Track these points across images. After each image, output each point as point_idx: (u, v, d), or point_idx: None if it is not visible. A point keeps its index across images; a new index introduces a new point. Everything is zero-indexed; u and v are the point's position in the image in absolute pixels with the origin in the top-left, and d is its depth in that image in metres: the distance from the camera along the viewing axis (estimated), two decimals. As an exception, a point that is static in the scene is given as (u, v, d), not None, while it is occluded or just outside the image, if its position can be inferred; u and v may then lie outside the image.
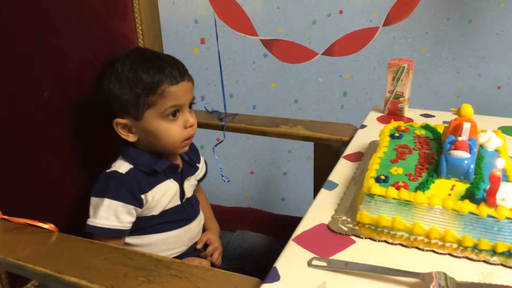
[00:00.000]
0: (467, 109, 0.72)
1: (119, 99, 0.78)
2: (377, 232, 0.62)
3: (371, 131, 0.96)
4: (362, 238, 0.61)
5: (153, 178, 0.81)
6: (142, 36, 1.03)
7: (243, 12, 1.47)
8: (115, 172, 0.78)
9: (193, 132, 0.82)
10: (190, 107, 0.82)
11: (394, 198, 0.60)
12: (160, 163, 0.81)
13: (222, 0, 1.42)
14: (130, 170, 0.79)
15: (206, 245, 0.92)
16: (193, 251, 0.90)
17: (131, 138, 0.80)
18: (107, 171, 0.79)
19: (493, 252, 0.57)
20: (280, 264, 0.57)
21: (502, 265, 0.55)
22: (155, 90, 0.76)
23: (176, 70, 0.78)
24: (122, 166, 0.79)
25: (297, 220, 0.66)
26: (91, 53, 0.90)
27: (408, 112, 1.05)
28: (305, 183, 1.74)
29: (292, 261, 0.58)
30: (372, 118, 1.04)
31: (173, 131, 0.79)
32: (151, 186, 0.80)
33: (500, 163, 0.59)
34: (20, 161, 0.79)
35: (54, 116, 0.84)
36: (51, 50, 0.83)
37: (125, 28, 0.99)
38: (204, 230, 0.94)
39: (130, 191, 0.77)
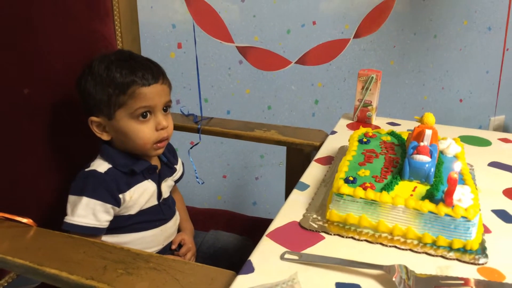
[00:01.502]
0: (429, 117, 0.78)
1: (93, 97, 0.79)
2: (345, 229, 0.66)
3: (341, 137, 1.01)
4: (331, 234, 0.65)
5: (131, 178, 0.82)
6: (121, 39, 1.06)
7: (220, 19, 1.50)
8: (94, 171, 0.79)
9: (165, 135, 0.82)
10: (165, 110, 0.83)
11: (361, 198, 0.65)
12: (138, 164, 0.82)
13: (200, 7, 1.46)
14: (109, 169, 0.80)
15: (180, 246, 0.94)
16: (168, 250, 0.92)
17: (105, 136, 0.82)
18: (86, 170, 0.80)
19: (450, 248, 0.62)
20: (255, 257, 0.60)
21: (457, 260, 0.60)
22: (126, 90, 0.77)
23: (150, 73, 0.79)
24: (101, 166, 0.80)
25: (268, 222, 0.68)
26: (71, 53, 0.91)
27: (375, 120, 1.10)
28: (276, 188, 1.78)
29: (266, 255, 0.61)
30: (342, 125, 1.09)
31: (143, 132, 0.80)
32: (129, 186, 0.82)
33: (457, 166, 0.65)
34: (-1, 157, 0.79)
35: (33, 114, 0.84)
36: (31, 49, 0.83)
37: (105, 30, 1.00)
38: (179, 230, 0.97)
39: (109, 190, 0.78)
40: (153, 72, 0.80)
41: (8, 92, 0.80)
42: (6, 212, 0.73)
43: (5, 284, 0.85)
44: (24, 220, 0.71)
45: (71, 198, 0.78)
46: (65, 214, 0.78)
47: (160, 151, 0.84)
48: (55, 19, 0.88)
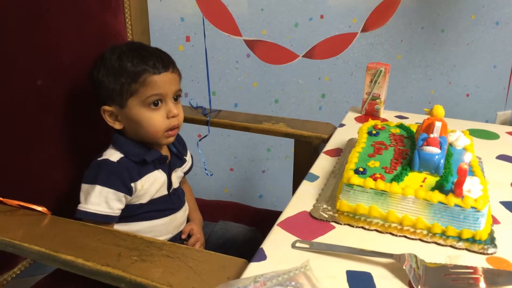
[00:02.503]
0: (439, 110, 0.78)
1: (105, 87, 0.81)
2: (355, 219, 0.67)
3: (349, 129, 1.01)
4: (341, 224, 0.66)
5: (143, 168, 0.84)
6: (131, 31, 1.07)
7: (228, 12, 1.51)
8: (107, 160, 0.81)
9: (176, 123, 0.84)
10: (176, 99, 0.84)
11: (371, 188, 0.66)
12: (150, 153, 0.84)
13: (209, 0, 1.46)
14: (121, 159, 0.82)
15: (189, 236, 0.95)
16: (178, 239, 0.93)
17: (117, 125, 0.83)
18: (99, 159, 0.82)
19: (459, 238, 0.63)
20: (267, 245, 0.62)
21: (466, 249, 0.61)
22: (138, 79, 0.79)
23: (160, 61, 0.81)
24: (113, 155, 0.82)
25: (276, 214, 0.69)
26: (83, 45, 0.93)
27: (383, 114, 1.11)
28: (282, 181, 1.79)
29: (277, 243, 0.62)
30: (350, 118, 1.09)
31: (155, 119, 0.81)
32: (140, 175, 0.83)
33: (467, 158, 0.66)
34: (14, 148, 0.81)
35: (47, 105, 0.86)
36: (44, 41, 0.85)
37: (115, 22, 1.02)
38: (188, 221, 0.98)
39: (121, 179, 0.80)
40: (164, 61, 0.82)
41: (22, 83, 0.81)
42: (21, 200, 0.74)
43: (18, 272, 0.87)
44: (39, 208, 0.73)
45: (84, 186, 0.80)
46: (78, 203, 0.79)
47: (171, 139, 0.85)
48: (68, 12, 0.89)
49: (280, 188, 1.82)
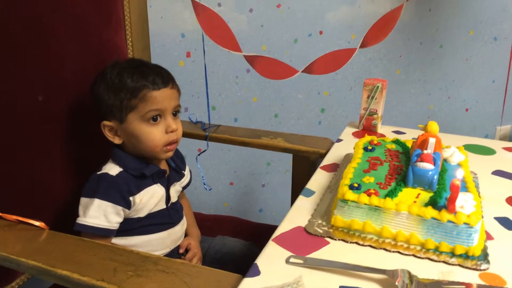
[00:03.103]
0: (433, 126, 0.79)
1: (105, 102, 0.83)
2: (349, 234, 0.68)
3: (347, 144, 1.02)
4: (335, 239, 0.67)
5: (141, 182, 0.85)
6: (132, 47, 1.08)
7: (228, 28, 1.53)
8: (106, 174, 0.82)
9: (175, 138, 0.85)
10: (175, 114, 0.86)
11: (365, 204, 0.66)
12: (148, 167, 0.85)
13: (209, 17, 1.49)
14: (120, 173, 0.83)
15: (187, 250, 0.96)
16: (175, 254, 0.93)
17: (117, 140, 0.85)
18: (98, 173, 0.83)
19: (452, 254, 0.63)
20: (261, 261, 0.62)
21: (459, 265, 0.61)
22: (137, 94, 0.81)
23: (160, 77, 0.83)
24: (112, 169, 0.83)
25: (275, 228, 0.70)
26: (84, 61, 0.94)
27: (381, 129, 1.12)
28: (282, 196, 1.79)
29: (272, 258, 0.63)
30: (347, 133, 1.10)
31: (154, 134, 0.83)
32: (139, 189, 0.84)
33: (459, 174, 0.66)
34: (13, 162, 0.82)
35: (48, 119, 0.87)
36: (46, 57, 0.86)
37: (117, 39, 1.03)
38: (186, 236, 0.98)
39: (120, 192, 0.81)
40: (163, 77, 0.84)
41: (23, 99, 0.83)
42: (20, 215, 0.75)
43: (16, 286, 0.87)
44: (37, 223, 0.74)
45: (83, 200, 0.81)
46: (77, 216, 0.80)
47: (170, 154, 0.86)
48: (69, 29, 0.91)
49: (280, 202, 1.82)
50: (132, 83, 0.81)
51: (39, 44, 0.85)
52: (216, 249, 0.99)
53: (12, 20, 0.79)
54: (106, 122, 0.84)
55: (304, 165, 1.09)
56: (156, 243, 0.88)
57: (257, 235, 1.08)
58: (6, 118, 0.80)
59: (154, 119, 0.82)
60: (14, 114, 0.81)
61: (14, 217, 0.74)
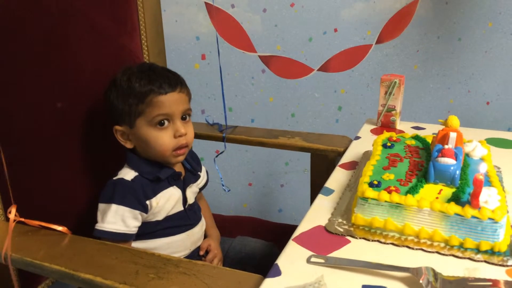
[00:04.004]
0: (454, 120, 0.78)
1: (116, 108, 0.84)
2: (371, 233, 0.67)
3: (365, 142, 1.01)
4: (356, 238, 0.66)
5: (157, 185, 0.85)
6: (147, 52, 1.09)
7: (243, 29, 1.53)
8: (122, 179, 0.83)
9: (184, 142, 0.84)
10: (184, 118, 0.85)
11: (386, 201, 0.65)
12: (163, 171, 0.85)
13: (223, 18, 1.49)
14: (135, 177, 0.83)
15: (207, 252, 0.96)
16: (196, 255, 0.94)
17: (129, 144, 0.86)
18: (114, 178, 0.84)
19: (477, 250, 0.62)
20: (281, 261, 0.62)
21: (485, 262, 0.60)
22: (144, 99, 0.81)
23: (167, 82, 0.83)
24: (128, 174, 0.84)
25: (295, 228, 0.69)
26: (100, 68, 0.95)
27: (400, 125, 1.10)
28: (301, 195, 1.78)
29: (292, 258, 0.62)
30: (366, 130, 1.09)
31: (162, 139, 0.83)
32: (155, 193, 0.84)
33: (482, 168, 0.65)
34: (34, 169, 0.83)
35: (66, 128, 0.88)
36: (64, 64, 0.88)
37: (132, 44, 1.04)
38: (205, 237, 0.98)
39: (136, 197, 0.81)
40: (170, 81, 0.83)
41: (43, 106, 0.84)
42: (43, 220, 0.76)
43: (42, 290, 0.88)
44: (59, 228, 0.75)
45: (101, 206, 0.82)
46: (96, 223, 0.81)
47: (180, 158, 0.86)
48: (86, 36, 0.92)
49: (299, 201, 1.82)
50: (139, 88, 0.82)
51: (57, 51, 0.86)
52: (237, 250, 0.99)
53: (30, 27, 0.81)
54: (117, 127, 0.85)
55: (322, 164, 1.08)
56: (176, 245, 0.89)
57: (277, 235, 1.08)
58: (27, 125, 0.82)
59: (162, 123, 0.82)
60: (34, 121, 0.83)
61: (37, 222, 0.75)
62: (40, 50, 0.83)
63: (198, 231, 0.93)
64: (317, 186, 1.05)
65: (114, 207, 0.80)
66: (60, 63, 0.86)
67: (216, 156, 1.22)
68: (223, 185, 1.19)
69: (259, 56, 1.58)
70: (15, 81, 0.79)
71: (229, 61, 1.55)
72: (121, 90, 0.83)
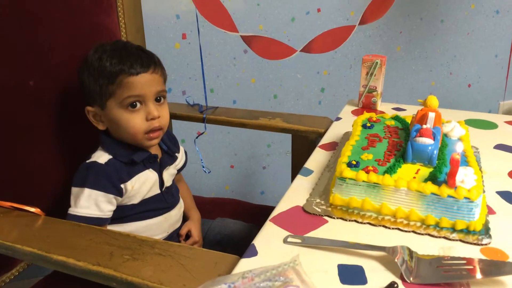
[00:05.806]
0: (432, 100, 0.77)
1: (88, 87, 0.81)
2: (348, 212, 0.66)
3: (346, 123, 1.01)
4: (334, 218, 0.66)
5: (132, 168, 0.83)
6: (125, 30, 1.06)
7: (224, 8, 1.50)
8: (95, 162, 0.80)
9: (157, 125, 0.81)
10: (158, 100, 0.82)
11: (363, 181, 0.65)
12: (138, 153, 0.83)
13: (203, -3, 1.46)
14: (109, 160, 0.81)
15: (188, 236, 0.95)
16: (174, 238, 0.93)
17: (101, 126, 0.83)
18: (87, 161, 0.81)
19: (453, 229, 0.62)
20: (258, 241, 0.61)
21: (460, 240, 0.60)
22: (114, 80, 0.78)
23: (139, 62, 0.79)
24: (101, 157, 0.81)
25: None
26: (76, 45, 0.92)
27: (381, 106, 1.10)
28: (283, 177, 1.78)
29: (269, 239, 0.62)
30: (347, 111, 1.08)
31: (133, 122, 0.79)
32: (130, 176, 0.82)
33: (459, 147, 0.65)
34: (6, 149, 0.80)
35: (40, 105, 0.86)
36: (36, 42, 0.85)
37: (108, 21, 1.01)
38: (185, 219, 0.97)
39: (110, 180, 0.79)
40: (143, 61, 0.80)
41: (15, 84, 0.81)
42: (15, 201, 0.74)
43: (17, 273, 0.87)
44: (32, 210, 0.73)
45: (74, 190, 0.79)
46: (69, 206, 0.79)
47: (154, 141, 0.83)
48: (60, 12, 0.89)
49: (281, 184, 1.82)
50: (110, 67, 0.78)
51: (29, 29, 0.83)
52: (216, 231, 0.98)
53: (1, 5, 0.77)
54: (89, 108, 0.82)
55: (303, 145, 1.08)
56: (153, 228, 0.87)
57: (258, 217, 1.07)
58: (-3, 105, 0.79)
59: (133, 105, 0.79)
60: (4, 101, 0.80)
61: (9, 203, 0.73)
62: (10, 26, 0.79)
63: (176, 213, 0.92)
64: (298, 167, 1.04)
65: (87, 191, 0.78)
66: (32, 40, 0.83)
67: (197, 137, 1.21)
68: (203, 167, 1.18)
69: (241, 36, 1.56)
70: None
71: (210, 41, 1.52)
72: (92, 69, 0.80)
